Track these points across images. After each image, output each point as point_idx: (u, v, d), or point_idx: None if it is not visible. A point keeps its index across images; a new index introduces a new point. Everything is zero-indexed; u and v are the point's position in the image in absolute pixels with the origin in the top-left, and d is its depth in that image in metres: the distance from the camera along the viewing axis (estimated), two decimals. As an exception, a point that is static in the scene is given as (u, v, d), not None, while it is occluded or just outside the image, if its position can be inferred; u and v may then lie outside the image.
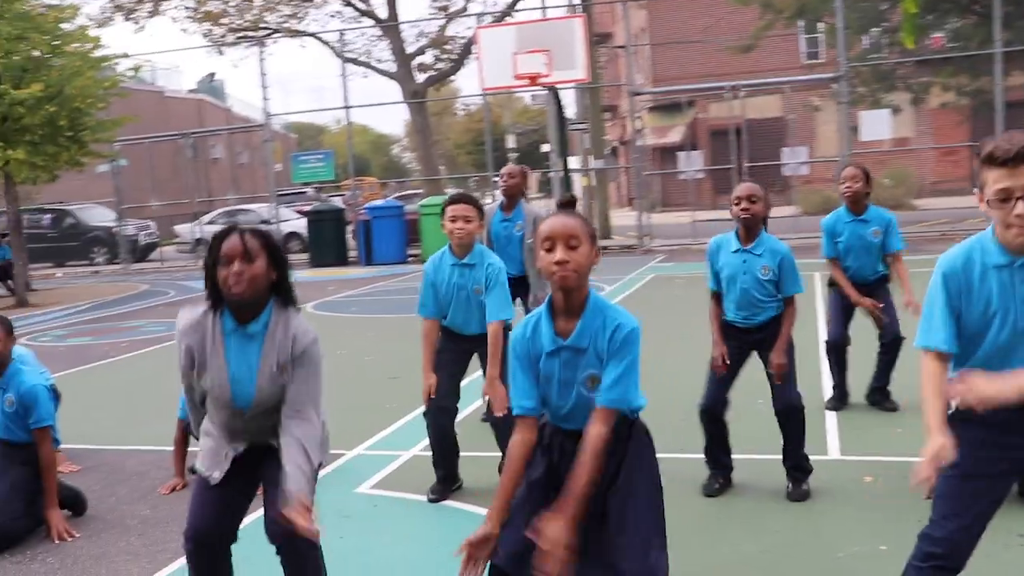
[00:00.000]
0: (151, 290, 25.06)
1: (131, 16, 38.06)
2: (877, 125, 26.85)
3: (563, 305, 3.84)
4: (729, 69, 33.53)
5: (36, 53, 22.99)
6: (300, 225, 33.53)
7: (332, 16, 48.19)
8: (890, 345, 8.27)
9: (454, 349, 6.81)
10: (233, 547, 4.62)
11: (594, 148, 32.76)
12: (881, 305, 8.05)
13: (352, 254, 29.97)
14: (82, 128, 23.38)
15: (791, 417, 6.37)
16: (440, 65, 40.93)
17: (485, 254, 6.67)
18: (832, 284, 8.48)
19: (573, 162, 36.60)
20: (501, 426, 6.44)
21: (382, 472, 7.52)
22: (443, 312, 6.74)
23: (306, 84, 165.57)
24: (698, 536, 5.85)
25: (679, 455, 7.04)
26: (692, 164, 30.19)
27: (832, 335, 8.53)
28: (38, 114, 21.78)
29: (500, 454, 6.46)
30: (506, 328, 6.61)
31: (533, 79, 24.03)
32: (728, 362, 6.45)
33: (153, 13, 38.48)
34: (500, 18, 35.16)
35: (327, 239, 29.37)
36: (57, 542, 6.38)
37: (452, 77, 45.30)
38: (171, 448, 7.59)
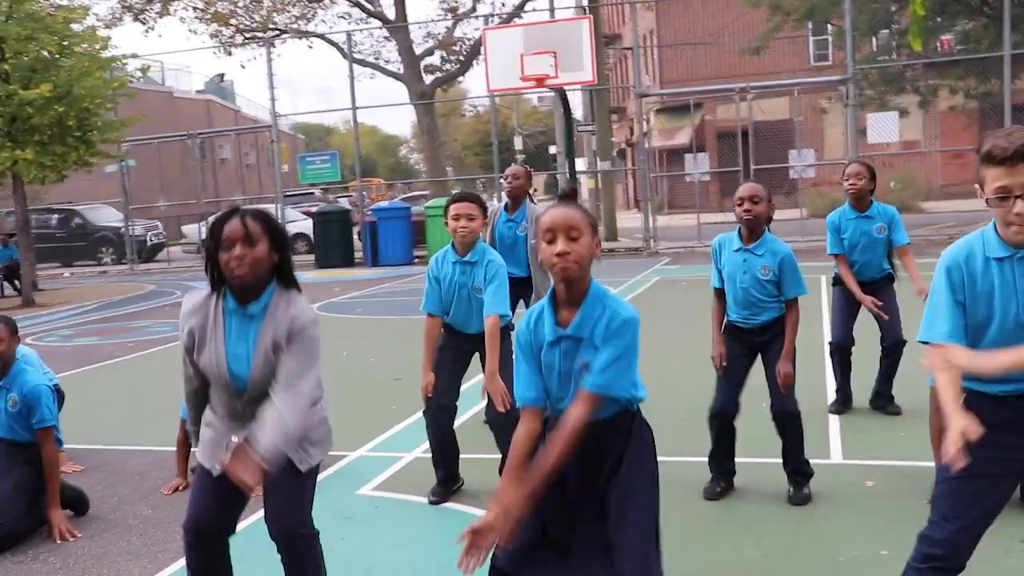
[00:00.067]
0: (158, 290, 25.10)
1: (140, 17, 38.14)
2: (885, 128, 26.84)
3: (565, 296, 3.86)
4: (737, 71, 33.57)
5: (45, 53, 23.07)
6: (306, 226, 33.55)
7: (340, 17, 48.10)
8: (891, 348, 8.27)
9: (455, 348, 6.82)
10: (233, 548, 4.62)
11: (601, 150, 32.78)
12: (881, 303, 8.04)
13: (358, 255, 29.99)
14: (90, 128, 23.46)
15: (787, 422, 6.37)
16: (447, 66, 40.98)
17: (487, 252, 6.68)
18: (836, 283, 8.47)
19: (580, 164, 36.66)
20: (501, 427, 6.45)
21: (384, 474, 7.52)
22: (445, 309, 6.76)
23: (314, 85, 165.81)
24: (699, 539, 5.85)
25: (680, 458, 7.04)
26: (699, 166, 30.15)
27: (836, 337, 8.52)
28: (47, 114, 21.86)
29: (501, 456, 6.46)
30: (507, 328, 6.62)
31: (540, 81, 24.02)
32: (726, 363, 6.46)
33: (162, 14, 38.56)
34: (508, 19, 35.16)
35: (333, 240, 29.38)
36: (59, 542, 6.40)
37: (460, 78, 45.37)
38: (173, 448, 7.59)
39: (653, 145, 39.99)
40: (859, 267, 8.26)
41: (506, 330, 6.63)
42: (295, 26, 39.99)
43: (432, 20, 40.00)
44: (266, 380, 4.17)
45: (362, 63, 38.43)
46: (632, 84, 30.23)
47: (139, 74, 26.81)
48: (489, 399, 6.60)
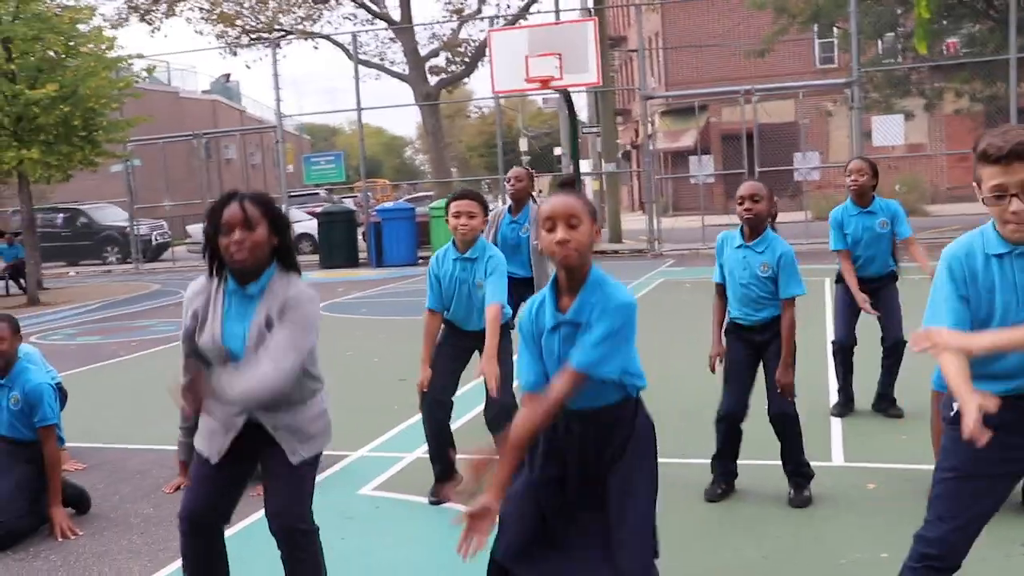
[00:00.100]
0: (162, 290, 25.11)
1: (146, 17, 38.18)
2: (890, 130, 26.83)
3: (566, 283, 3.88)
4: (743, 73, 33.51)
5: (51, 54, 23.10)
6: (311, 226, 33.57)
7: (346, 18, 48.22)
8: (892, 348, 8.28)
9: (455, 344, 6.84)
10: (232, 547, 4.63)
11: (606, 152, 32.76)
12: (876, 305, 8.04)
13: (363, 256, 30.01)
14: (96, 128, 23.48)
15: (785, 424, 6.38)
16: (452, 68, 40.99)
17: (487, 248, 6.72)
18: (839, 280, 8.47)
19: (585, 166, 36.63)
20: (501, 428, 6.45)
21: (385, 474, 7.53)
22: (445, 306, 6.78)
23: (319, 86, 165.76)
24: (700, 541, 5.86)
25: (681, 460, 7.05)
26: (703, 168, 30.17)
27: (838, 336, 8.51)
28: (52, 114, 21.90)
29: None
30: (507, 326, 6.64)
31: (545, 82, 24.01)
32: (728, 365, 6.47)
33: (168, 14, 38.60)
34: (513, 21, 35.16)
35: (338, 240, 29.40)
36: (60, 540, 6.41)
37: (465, 80, 45.41)
38: (175, 447, 7.58)
39: (658, 147, 40.00)
40: (862, 263, 8.27)
41: (506, 327, 6.65)
42: (301, 27, 40.04)
43: (437, 21, 40.04)
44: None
45: (367, 64, 38.46)
46: (637, 86, 30.21)
47: (145, 74, 26.86)
48: (488, 400, 6.61)
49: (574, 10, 32.33)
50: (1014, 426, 3.65)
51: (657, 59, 50.02)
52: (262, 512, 4.47)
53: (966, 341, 3.43)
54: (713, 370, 6.53)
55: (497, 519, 3.82)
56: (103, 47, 23.86)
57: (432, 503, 6.82)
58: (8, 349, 6.57)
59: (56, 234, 37.74)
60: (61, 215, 38.94)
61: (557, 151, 43.47)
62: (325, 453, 7.58)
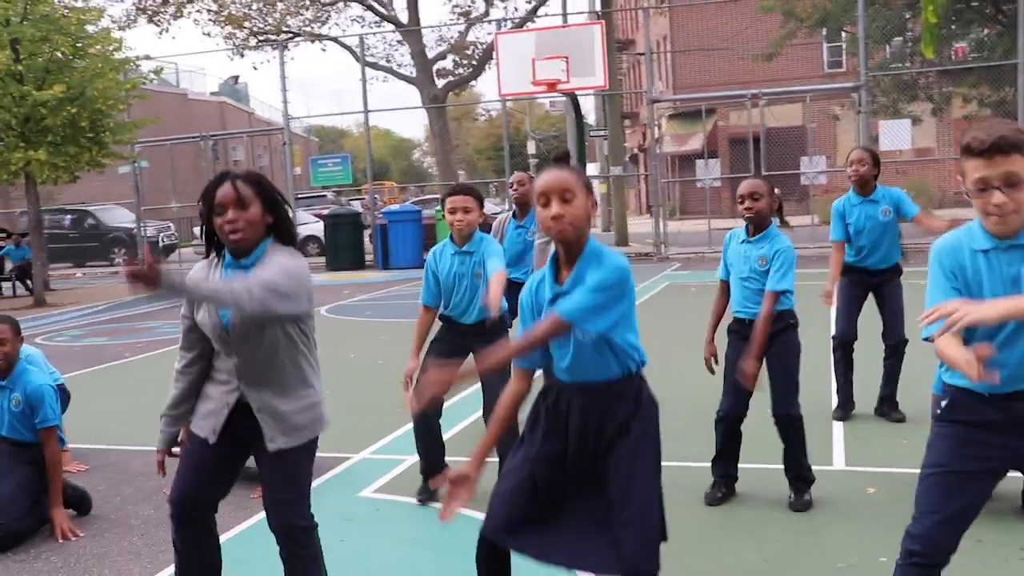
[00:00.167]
0: (168, 291, 25.08)
1: (154, 19, 38.24)
2: (897, 135, 26.79)
3: (564, 257, 3.92)
4: (750, 77, 33.52)
5: (59, 55, 23.16)
6: (318, 228, 33.61)
7: (354, 20, 48.21)
8: (894, 348, 8.28)
9: (451, 341, 6.85)
10: (234, 549, 4.63)
11: (613, 155, 32.78)
12: (834, 305, 8.01)
13: (369, 258, 30.03)
14: (103, 129, 23.54)
15: (788, 426, 6.37)
16: (460, 70, 41.01)
17: (484, 240, 6.77)
18: (843, 272, 8.47)
19: (592, 169, 36.67)
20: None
21: (386, 476, 7.52)
22: (443, 301, 6.85)
23: (327, 88, 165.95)
24: (700, 545, 5.85)
25: (682, 463, 7.04)
26: (710, 172, 30.15)
27: (839, 329, 8.49)
28: (60, 115, 21.97)
29: (499, 459, 6.47)
30: (505, 327, 6.67)
31: (551, 85, 24.04)
32: (723, 364, 6.48)
33: (176, 16, 38.66)
34: (520, 24, 35.17)
35: (344, 243, 29.44)
36: (61, 541, 6.41)
37: (472, 82, 45.39)
38: (178, 449, 7.59)
39: (665, 151, 39.97)
40: (866, 252, 8.26)
41: (504, 328, 6.67)
42: (308, 29, 40.07)
43: (445, 24, 40.08)
44: (249, 325, 4.16)
45: (375, 66, 38.52)
46: (645, 89, 30.23)
47: (152, 76, 26.90)
48: (486, 403, 6.62)
49: (581, 13, 32.48)
50: (997, 425, 3.68)
51: (665, 62, 50.01)
52: (263, 514, 4.47)
53: (980, 311, 3.41)
54: (711, 371, 6.53)
55: (474, 486, 3.88)
56: (111, 48, 23.92)
57: (420, 501, 6.86)
58: (10, 351, 6.58)
59: (63, 235, 37.84)
60: (68, 216, 39.05)
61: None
62: (326, 455, 7.66)
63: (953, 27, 29.26)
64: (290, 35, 39.60)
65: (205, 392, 4.40)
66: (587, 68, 23.90)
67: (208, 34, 73.73)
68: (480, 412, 8.46)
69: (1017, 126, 3.57)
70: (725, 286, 6.62)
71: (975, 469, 3.72)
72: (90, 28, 23.93)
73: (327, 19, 40.91)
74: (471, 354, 6.85)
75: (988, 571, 5.19)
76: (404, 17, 38.61)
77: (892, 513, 6.13)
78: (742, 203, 6.31)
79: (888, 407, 8.40)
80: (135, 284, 3.62)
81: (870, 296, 8.42)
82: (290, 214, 4.42)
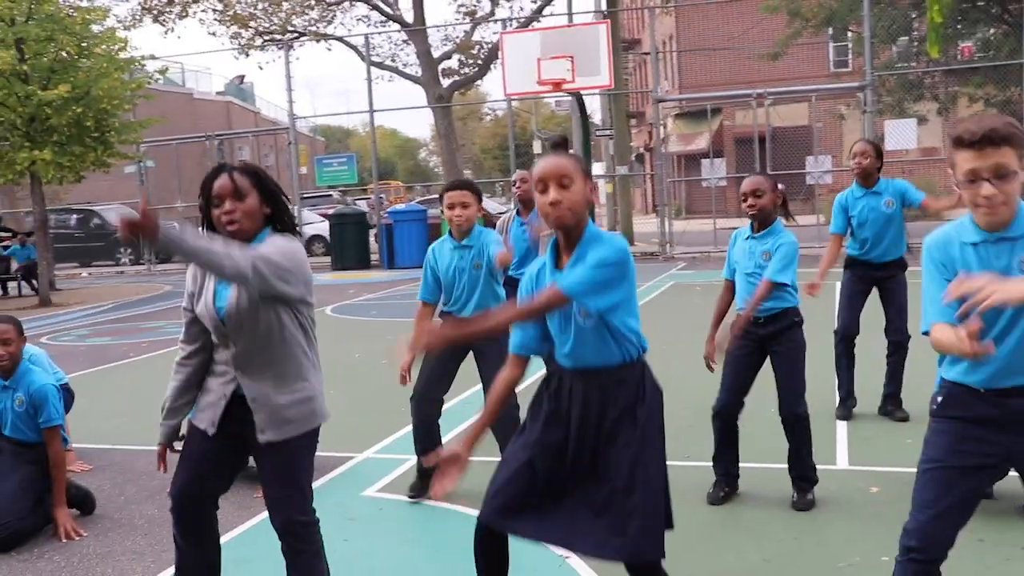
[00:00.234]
0: (174, 291, 25.15)
1: (160, 19, 38.25)
2: (903, 134, 26.76)
3: (564, 243, 3.94)
4: (756, 76, 33.49)
5: (64, 54, 23.18)
6: (323, 228, 33.62)
7: (359, 20, 48.25)
8: (896, 345, 8.27)
9: None
10: (236, 549, 4.63)
11: (619, 154, 32.73)
12: (817, 295, 7.97)
13: (374, 258, 30.04)
14: (108, 129, 23.56)
15: (795, 426, 6.36)
16: (465, 70, 40.99)
17: (483, 233, 6.83)
18: (847, 265, 8.46)
19: (598, 168, 36.62)
20: (502, 430, 6.48)
21: (390, 476, 7.52)
22: (443, 296, 6.89)
23: (332, 87, 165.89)
24: (703, 544, 5.85)
25: (684, 463, 7.04)
26: (716, 172, 30.15)
27: (842, 323, 8.48)
28: (65, 115, 21.99)
29: (499, 450, 6.49)
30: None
31: (557, 85, 24.02)
32: (729, 359, 6.48)
33: (181, 16, 38.65)
34: (526, 24, 35.14)
35: (349, 242, 29.44)
36: (64, 540, 6.42)
37: (478, 82, 45.38)
38: (179, 444, 7.60)
39: (671, 150, 39.97)
40: (870, 245, 8.26)
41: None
42: (314, 29, 40.06)
43: (450, 24, 40.02)
44: (243, 309, 4.16)
45: (380, 66, 38.48)
46: (650, 89, 30.21)
47: (158, 76, 26.92)
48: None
49: (587, 13, 32.45)
50: (991, 421, 3.70)
51: (670, 62, 49.96)
52: (265, 513, 4.48)
53: (1007, 291, 3.39)
54: (711, 369, 6.54)
55: (465, 466, 3.91)
56: (116, 48, 23.93)
57: (410, 498, 6.89)
58: (14, 351, 6.59)
59: (69, 235, 37.88)
60: (74, 216, 39.09)
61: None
62: (329, 454, 7.69)
63: (959, 27, 29.23)
64: (295, 35, 39.60)
65: (206, 385, 4.41)
66: (592, 68, 23.89)
67: (213, 34, 73.79)
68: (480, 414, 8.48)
69: (1009, 120, 3.59)
70: (729, 285, 6.62)
71: (970, 464, 3.74)
72: (95, 28, 23.95)
73: (332, 18, 40.91)
74: (472, 353, 6.88)
75: (989, 570, 5.20)
76: (409, 17, 38.60)
77: (895, 512, 6.10)
78: (745, 200, 6.34)
79: (892, 406, 8.40)
80: (131, 234, 3.62)
81: (874, 292, 8.42)
82: (289, 205, 4.43)
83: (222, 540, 4.76)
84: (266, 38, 39.66)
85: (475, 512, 5.32)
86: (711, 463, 6.64)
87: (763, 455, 7.03)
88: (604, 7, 31.64)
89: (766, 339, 6.39)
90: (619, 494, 3.84)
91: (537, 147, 57.39)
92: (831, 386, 8.95)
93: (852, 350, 8.46)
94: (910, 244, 8.55)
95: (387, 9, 39.23)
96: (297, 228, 4.40)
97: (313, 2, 39.95)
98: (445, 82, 39.21)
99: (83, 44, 23.34)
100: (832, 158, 30.95)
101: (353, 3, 40.49)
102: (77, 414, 8.63)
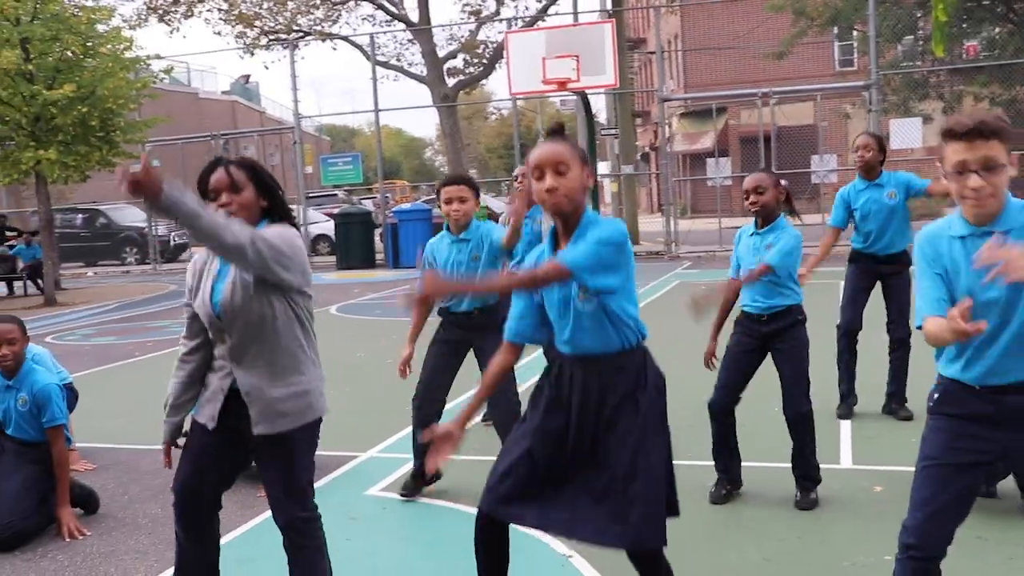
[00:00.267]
0: (179, 290, 25.11)
1: (165, 18, 38.27)
2: (908, 133, 26.75)
3: (562, 229, 3.94)
4: (761, 76, 33.49)
5: (69, 54, 23.19)
6: (328, 227, 33.63)
7: (364, 19, 48.19)
8: (898, 343, 8.26)
9: (448, 340, 6.84)
10: (239, 548, 4.63)
11: (624, 154, 32.73)
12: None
13: (379, 257, 30.05)
14: (113, 129, 23.57)
15: (799, 424, 6.35)
16: (471, 69, 40.98)
17: (480, 227, 6.83)
18: (851, 260, 8.45)
19: (604, 167, 36.60)
20: (503, 425, 6.51)
21: (393, 475, 7.51)
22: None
23: (338, 87, 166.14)
24: (705, 542, 5.84)
25: (686, 462, 7.02)
26: (721, 171, 30.13)
27: (845, 319, 8.46)
28: (70, 114, 22.01)
29: (500, 441, 6.49)
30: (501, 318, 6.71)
31: (562, 84, 24.01)
32: (726, 355, 6.49)
33: (187, 15, 38.68)
34: (531, 23, 35.15)
35: (354, 241, 29.45)
36: (67, 540, 6.42)
37: (483, 81, 45.36)
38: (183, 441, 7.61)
39: (676, 149, 39.91)
40: (873, 237, 8.26)
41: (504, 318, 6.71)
42: (319, 28, 40.07)
43: (455, 23, 40.00)
44: (238, 301, 4.16)
45: (385, 65, 38.50)
46: (656, 88, 30.19)
47: (163, 75, 26.94)
48: (489, 402, 6.64)
49: (592, 12, 32.40)
50: (987, 418, 3.71)
51: (676, 61, 49.97)
52: (268, 513, 4.48)
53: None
54: (709, 367, 6.54)
55: (458, 444, 3.93)
56: (121, 48, 23.93)
57: (402, 495, 6.90)
58: (18, 351, 6.60)
59: (75, 234, 37.92)
60: (80, 215, 39.12)
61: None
62: (333, 453, 7.71)
63: (964, 25, 29.22)
64: (301, 34, 39.63)
65: (207, 381, 4.42)
66: (598, 67, 23.87)
67: (219, 33, 73.76)
68: (480, 416, 8.56)
69: (998, 114, 3.62)
70: (734, 283, 6.62)
71: (966, 461, 3.75)
72: (100, 27, 23.95)
73: (338, 18, 40.88)
74: (472, 352, 6.88)
75: (992, 569, 5.19)
76: (415, 16, 38.60)
77: (899, 512, 6.06)
78: (747, 198, 6.35)
79: (896, 404, 8.37)
80: (133, 190, 3.65)
81: (876, 289, 8.41)
82: (285, 198, 4.44)
83: (225, 539, 4.78)
84: (271, 37, 39.69)
85: (475, 511, 5.34)
86: (713, 462, 6.64)
87: (766, 454, 7.03)
88: (609, 6, 31.66)
89: (768, 337, 6.39)
90: (620, 481, 3.84)
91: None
92: (834, 385, 8.94)
93: (854, 347, 8.44)
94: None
95: (392, 8, 39.23)
96: (296, 222, 4.40)
97: (318, 1, 39.95)
98: (450, 81, 39.19)
99: (88, 44, 23.33)
100: (837, 157, 30.92)
101: (358, 2, 40.60)
102: (82, 413, 8.63)
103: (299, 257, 4.19)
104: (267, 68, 72.48)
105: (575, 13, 33.37)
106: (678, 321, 14.04)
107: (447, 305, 6.88)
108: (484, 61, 40.32)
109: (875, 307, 8.42)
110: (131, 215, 38.73)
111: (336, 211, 32.55)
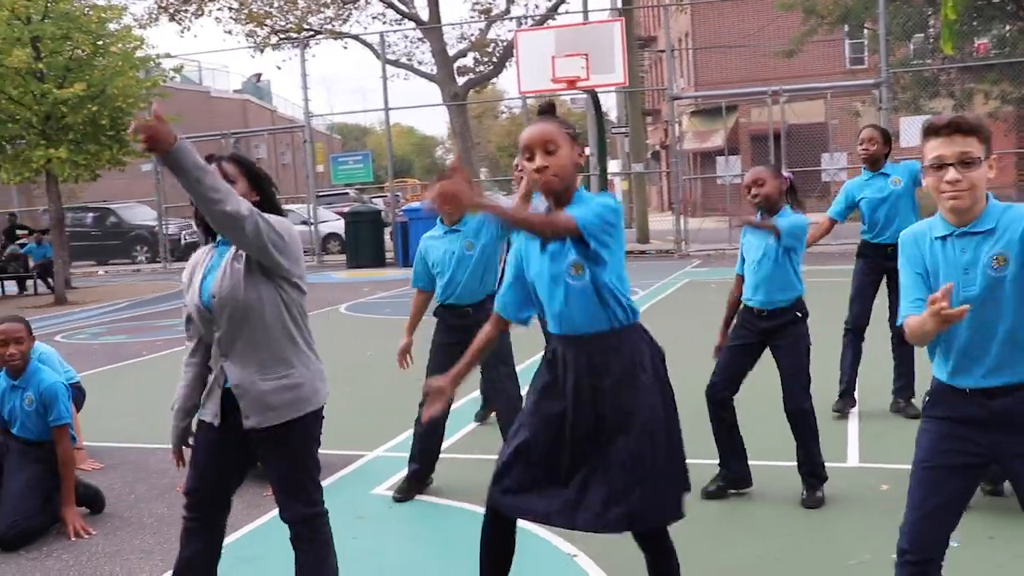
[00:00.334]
0: (189, 289, 25.18)
1: (176, 17, 38.33)
2: (918, 132, 26.66)
3: (555, 208, 3.94)
4: (771, 74, 33.41)
5: (80, 53, 23.23)
6: (339, 226, 33.66)
7: (374, 18, 48.24)
8: (900, 340, 8.21)
9: (450, 343, 6.82)
10: (247, 546, 4.63)
11: (635, 152, 32.71)
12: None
13: (389, 255, 30.06)
14: (123, 127, 23.57)
15: (800, 420, 6.34)
16: (481, 68, 40.99)
17: (473, 218, 6.84)
18: (860, 255, 8.43)
19: (614, 166, 36.60)
20: (506, 420, 6.52)
21: (399, 474, 7.47)
22: (438, 287, 6.96)
23: (349, 85, 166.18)
24: (710, 540, 5.84)
25: (691, 460, 7.00)
26: (731, 169, 30.09)
27: (854, 315, 8.43)
28: (80, 113, 22.05)
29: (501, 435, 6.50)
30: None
31: (571, 83, 23.99)
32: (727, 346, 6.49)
33: (197, 14, 38.73)
34: (541, 21, 35.14)
35: (365, 240, 29.45)
36: (73, 539, 6.42)
37: (493, 80, 45.37)
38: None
39: (686, 148, 39.91)
40: (880, 226, 8.24)
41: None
42: (330, 27, 40.11)
43: (465, 22, 40.01)
44: (228, 293, 4.16)
45: (395, 64, 38.52)
46: (666, 86, 30.18)
47: (174, 74, 26.98)
48: (487, 402, 6.64)
49: (603, 10, 32.32)
50: (977, 421, 3.71)
51: (686, 59, 49.91)
52: (275, 512, 4.48)
53: None
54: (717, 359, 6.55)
55: (447, 400, 4.10)
56: (132, 46, 23.97)
57: (395, 499, 6.90)
58: (25, 350, 6.61)
59: (86, 233, 37.99)
60: (91, 214, 39.20)
61: (585, 151, 43.47)
62: (340, 452, 7.71)
63: (974, 23, 29.15)
64: (311, 33, 39.66)
65: (207, 379, 4.43)
66: (607, 65, 23.86)
67: (230, 32, 73.58)
68: (475, 417, 8.58)
69: (979, 116, 3.65)
70: (741, 280, 6.62)
71: (957, 464, 3.75)
72: (111, 26, 24.00)
73: (348, 17, 40.93)
74: None
75: (1000, 567, 5.18)
76: (425, 15, 38.61)
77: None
78: (748, 192, 6.36)
79: (903, 400, 8.33)
80: (146, 139, 3.68)
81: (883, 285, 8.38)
82: (277, 194, 4.47)
83: (232, 538, 4.80)
84: (282, 36, 39.73)
85: (480, 510, 5.34)
86: (717, 461, 6.63)
87: (773, 453, 7.01)
88: (619, 4, 31.60)
89: (767, 332, 6.38)
90: (621, 463, 3.85)
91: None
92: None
93: (860, 343, 8.40)
94: None
95: (402, 7, 39.24)
96: (285, 214, 4.42)
97: (328, 0, 40.00)
98: (460, 80, 39.21)
99: (99, 42, 23.38)
100: (848, 155, 30.82)
101: (368, 1, 40.58)
102: (90, 412, 8.65)
103: (294, 244, 4.20)
104: (279, 68, 72.53)
105: (585, 12, 33.30)
106: (688, 320, 14.08)
107: (446, 300, 6.89)
108: (494, 60, 40.33)
109: (879, 305, 8.39)
110: (142, 214, 38.84)
111: (347, 210, 32.56)
